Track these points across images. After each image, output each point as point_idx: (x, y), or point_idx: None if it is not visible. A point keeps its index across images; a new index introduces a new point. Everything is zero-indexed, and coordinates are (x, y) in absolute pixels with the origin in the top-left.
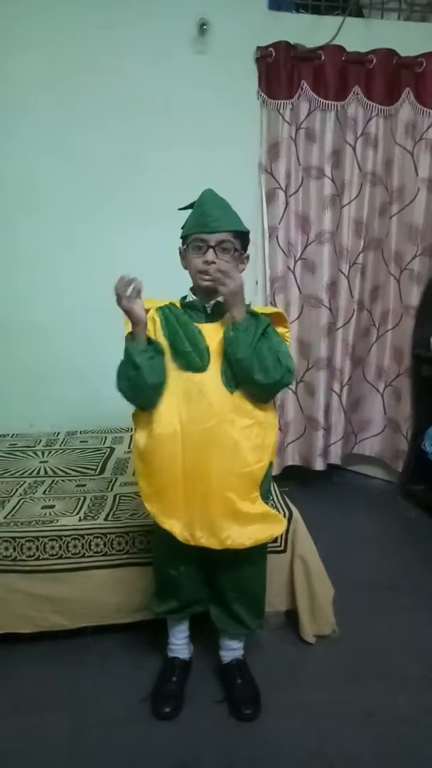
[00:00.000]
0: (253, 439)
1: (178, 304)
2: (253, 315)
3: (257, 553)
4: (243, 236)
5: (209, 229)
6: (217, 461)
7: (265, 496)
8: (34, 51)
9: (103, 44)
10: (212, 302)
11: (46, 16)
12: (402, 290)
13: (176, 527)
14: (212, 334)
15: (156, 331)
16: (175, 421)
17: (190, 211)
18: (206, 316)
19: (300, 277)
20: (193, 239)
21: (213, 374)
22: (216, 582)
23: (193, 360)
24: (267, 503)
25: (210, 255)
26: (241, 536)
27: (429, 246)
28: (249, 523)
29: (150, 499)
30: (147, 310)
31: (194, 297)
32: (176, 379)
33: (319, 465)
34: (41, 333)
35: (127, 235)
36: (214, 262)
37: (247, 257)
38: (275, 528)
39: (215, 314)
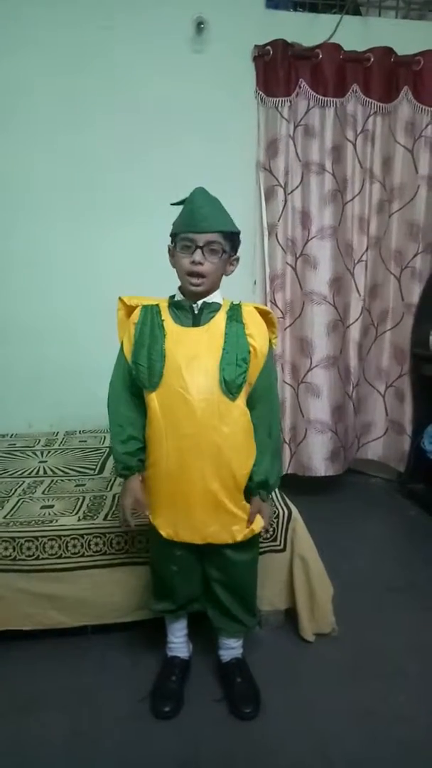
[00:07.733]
0: (237, 446)
1: (167, 303)
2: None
3: (248, 552)
4: (233, 238)
5: (198, 228)
6: (201, 468)
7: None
8: (33, 51)
9: (102, 44)
10: (200, 302)
11: (45, 17)
12: (403, 288)
13: (161, 524)
14: (199, 338)
15: (130, 336)
16: (161, 423)
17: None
18: (193, 317)
19: (301, 274)
20: (181, 238)
21: (200, 381)
22: (209, 580)
23: (143, 376)
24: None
25: (198, 256)
26: (223, 534)
27: (431, 243)
28: (231, 524)
29: (147, 492)
30: (133, 308)
31: (182, 297)
32: (166, 381)
33: (331, 470)
34: (39, 333)
35: (125, 235)
36: (201, 263)
37: (237, 259)
38: (254, 526)
39: (202, 315)
